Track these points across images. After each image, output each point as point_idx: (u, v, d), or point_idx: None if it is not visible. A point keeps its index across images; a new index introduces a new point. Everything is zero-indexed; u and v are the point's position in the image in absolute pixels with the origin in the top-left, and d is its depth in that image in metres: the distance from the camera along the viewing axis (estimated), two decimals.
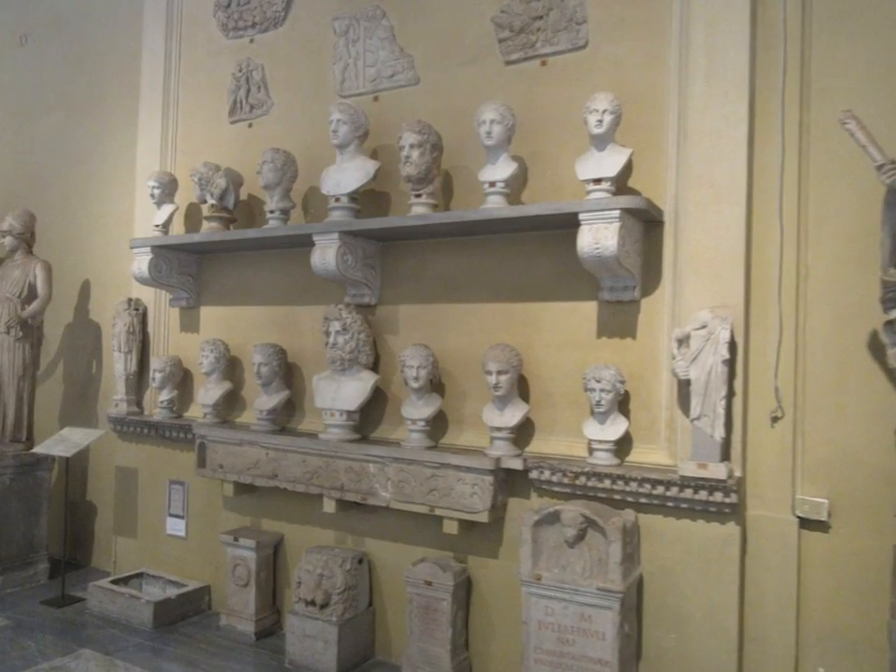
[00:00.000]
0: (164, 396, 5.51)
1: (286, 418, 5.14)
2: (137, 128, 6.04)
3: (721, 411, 3.58)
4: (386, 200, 4.83)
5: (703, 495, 3.62)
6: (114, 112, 6.47)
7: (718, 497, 3.58)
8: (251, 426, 5.07)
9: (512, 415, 4.13)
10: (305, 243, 4.66)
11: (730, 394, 3.68)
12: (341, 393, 4.60)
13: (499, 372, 4.05)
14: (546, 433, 4.24)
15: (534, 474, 4.05)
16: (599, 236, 3.69)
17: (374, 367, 4.76)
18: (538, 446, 4.25)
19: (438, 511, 4.20)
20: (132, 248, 5.46)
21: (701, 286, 3.80)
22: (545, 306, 4.28)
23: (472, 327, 4.50)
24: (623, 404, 3.97)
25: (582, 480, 3.91)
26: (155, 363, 5.51)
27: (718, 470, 3.56)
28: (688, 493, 3.66)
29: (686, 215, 3.86)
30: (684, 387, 3.73)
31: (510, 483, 4.20)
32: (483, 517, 4.08)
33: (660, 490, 3.73)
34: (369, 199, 4.78)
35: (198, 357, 5.29)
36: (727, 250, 3.75)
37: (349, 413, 4.60)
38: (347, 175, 4.59)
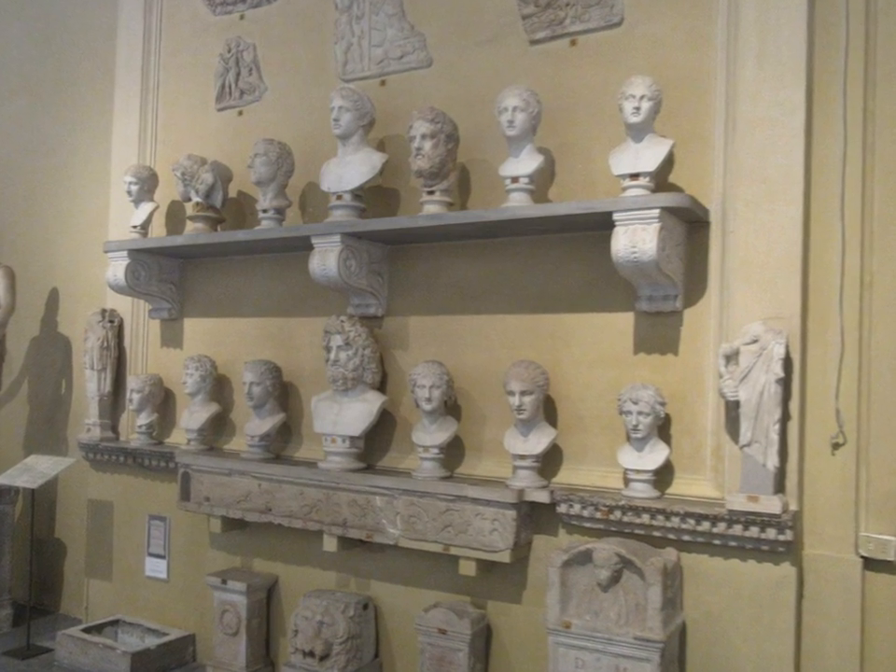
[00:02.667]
0: (143, 419, 5.64)
1: (280, 445, 5.26)
2: (112, 116, 6.20)
3: (774, 436, 3.66)
4: (395, 197, 4.96)
5: (754, 531, 3.70)
6: (85, 98, 6.65)
7: (771, 533, 3.67)
8: (241, 453, 5.19)
9: (538, 442, 4.23)
10: (303, 246, 4.78)
11: (785, 417, 3.77)
12: (343, 416, 4.72)
13: (523, 393, 4.15)
14: (576, 462, 4.34)
15: (562, 508, 4.14)
16: (636, 239, 3.79)
17: (381, 387, 4.88)
18: (566, 476, 4.35)
19: (453, 550, 4.30)
20: (106, 252, 5.61)
21: (752, 295, 3.89)
22: (575, 318, 4.38)
23: (492, 341, 4.61)
24: (663, 429, 4.07)
25: (617, 514, 4.00)
26: (132, 382, 5.64)
27: (771, 504, 3.64)
28: (737, 529, 3.74)
29: (735, 214, 3.96)
30: (733, 410, 3.82)
31: (535, 518, 4.30)
32: (505, 557, 4.17)
33: (705, 526, 3.82)
34: (375, 196, 4.92)
35: (181, 376, 5.42)
36: (781, 254, 3.84)
37: (352, 438, 4.71)
38: (350, 169, 4.72)
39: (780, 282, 3.84)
